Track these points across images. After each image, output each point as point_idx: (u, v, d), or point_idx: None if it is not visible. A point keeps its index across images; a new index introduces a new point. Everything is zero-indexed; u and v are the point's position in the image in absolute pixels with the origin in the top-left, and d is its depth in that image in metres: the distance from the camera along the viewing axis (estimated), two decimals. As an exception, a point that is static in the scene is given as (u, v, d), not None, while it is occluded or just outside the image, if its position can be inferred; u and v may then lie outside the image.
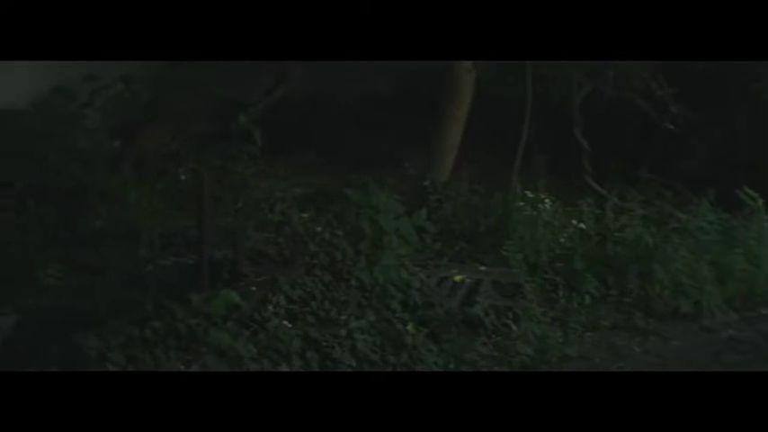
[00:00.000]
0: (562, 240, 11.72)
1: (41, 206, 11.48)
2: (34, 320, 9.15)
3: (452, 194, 12.58)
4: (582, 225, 11.55)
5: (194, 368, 7.54)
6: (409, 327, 9.38)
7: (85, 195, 11.79)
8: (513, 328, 9.82)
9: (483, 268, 11.41)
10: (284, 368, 7.90)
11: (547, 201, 11.88)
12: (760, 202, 12.25)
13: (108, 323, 7.95)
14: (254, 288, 8.62)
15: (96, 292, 9.61)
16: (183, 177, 10.90)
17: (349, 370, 8.38)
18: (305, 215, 11.63)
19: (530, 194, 11.85)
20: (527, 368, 9.62)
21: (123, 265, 10.65)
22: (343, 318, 8.80)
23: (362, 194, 10.72)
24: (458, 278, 10.99)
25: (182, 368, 7.56)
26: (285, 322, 8.55)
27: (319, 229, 10.45)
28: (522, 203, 12.18)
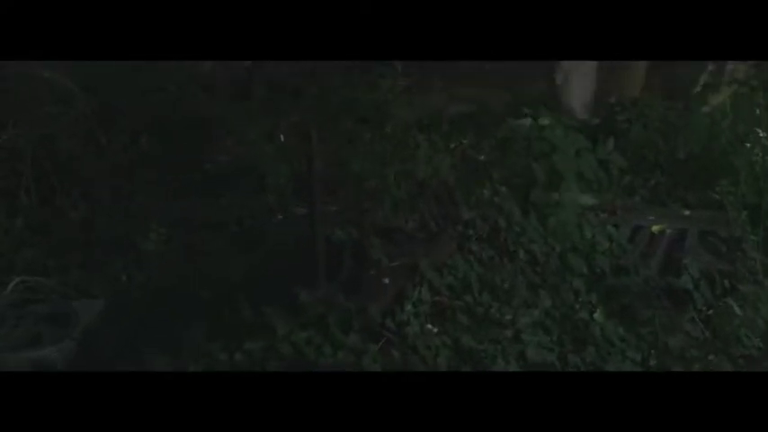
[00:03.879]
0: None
1: (154, 145, 9.04)
2: (123, 303, 6.78)
3: (645, 112, 9.38)
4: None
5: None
6: (597, 314, 6.52)
7: (206, 130, 9.25)
8: (736, 309, 6.79)
9: (687, 212, 8.35)
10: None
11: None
12: None
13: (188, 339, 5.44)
14: (386, 280, 5.89)
15: (203, 264, 7.18)
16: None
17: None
18: (464, 141, 8.91)
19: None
20: (752, 363, 6.69)
21: (244, 217, 8.19)
22: (508, 317, 5.96)
23: (532, 125, 7.74)
24: (655, 228, 8.02)
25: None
26: (429, 326, 5.81)
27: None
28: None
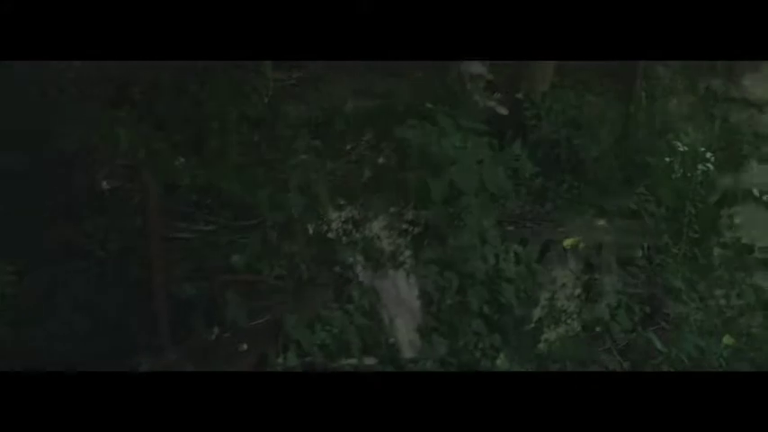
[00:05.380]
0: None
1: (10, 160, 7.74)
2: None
3: (555, 108, 8.29)
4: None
5: None
6: (500, 359, 5.49)
7: (74, 141, 7.95)
8: (657, 344, 5.80)
9: (602, 222, 7.33)
10: None
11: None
12: None
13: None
14: (244, 345, 4.74)
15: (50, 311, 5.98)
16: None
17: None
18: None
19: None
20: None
21: (110, 244, 6.97)
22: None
23: (427, 135, 6.63)
24: (568, 243, 6.99)
25: None
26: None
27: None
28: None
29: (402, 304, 5.42)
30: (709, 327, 6.14)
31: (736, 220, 6.91)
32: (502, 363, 5.51)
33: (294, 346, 4.89)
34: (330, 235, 5.47)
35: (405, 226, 5.78)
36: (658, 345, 5.82)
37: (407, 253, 5.61)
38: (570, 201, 7.68)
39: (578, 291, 6.27)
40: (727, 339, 6.09)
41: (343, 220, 5.57)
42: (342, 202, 5.82)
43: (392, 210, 5.81)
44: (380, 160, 7.73)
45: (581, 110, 8.25)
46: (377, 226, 5.65)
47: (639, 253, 6.78)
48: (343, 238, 5.50)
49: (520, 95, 8.29)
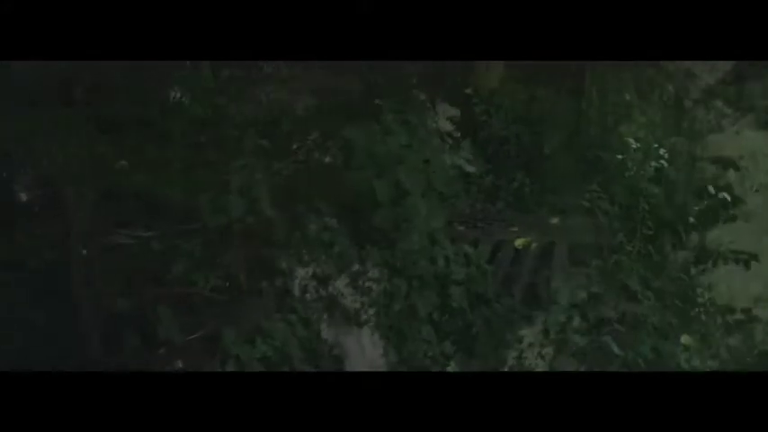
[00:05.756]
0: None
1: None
2: None
3: (505, 104, 8.06)
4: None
5: None
6: (451, 365, 5.24)
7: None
8: (614, 348, 5.58)
9: (555, 221, 7.11)
10: None
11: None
12: None
13: None
14: (179, 362, 4.42)
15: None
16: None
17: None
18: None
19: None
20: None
21: (43, 252, 6.61)
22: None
23: (372, 135, 6.35)
24: (519, 243, 6.77)
25: None
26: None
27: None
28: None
29: (366, 362, 5.20)
30: (666, 327, 5.95)
31: (708, 280, 6.70)
32: (453, 370, 5.27)
33: (233, 361, 4.59)
34: (295, 292, 5.20)
35: (368, 283, 5.55)
36: (615, 348, 5.60)
37: (371, 311, 5.38)
38: (522, 199, 7.49)
39: (547, 350, 5.99)
40: (685, 340, 5.91)
41: (308, 276, 5.29)
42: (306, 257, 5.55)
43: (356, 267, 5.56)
44: (327, 159, 7.48)
45: (531, 106, 8.04)
46: (341, 283, 5.42)
47: (593, 252, 6.56)
48: (307, 296, 5.22)
49: (469, 91, 8.06)
